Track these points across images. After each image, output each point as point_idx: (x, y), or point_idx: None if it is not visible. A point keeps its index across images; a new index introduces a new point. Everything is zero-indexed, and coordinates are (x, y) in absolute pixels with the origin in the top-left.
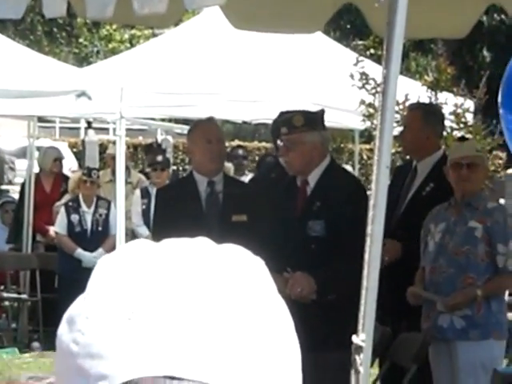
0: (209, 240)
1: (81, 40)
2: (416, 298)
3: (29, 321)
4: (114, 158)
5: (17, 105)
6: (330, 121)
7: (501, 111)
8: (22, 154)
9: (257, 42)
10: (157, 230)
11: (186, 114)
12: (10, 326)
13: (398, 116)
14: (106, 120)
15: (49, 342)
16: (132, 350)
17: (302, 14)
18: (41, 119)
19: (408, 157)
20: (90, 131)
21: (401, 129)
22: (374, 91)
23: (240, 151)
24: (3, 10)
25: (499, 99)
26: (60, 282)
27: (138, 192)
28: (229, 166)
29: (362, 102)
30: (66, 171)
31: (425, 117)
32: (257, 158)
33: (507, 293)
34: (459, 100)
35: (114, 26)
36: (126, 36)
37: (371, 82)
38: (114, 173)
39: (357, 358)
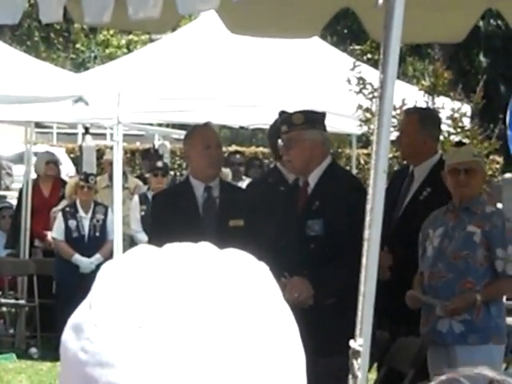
0: (212, 245)
1: (78, 45)
2: (415, 301)
3: (26, 326)
4: (111, 163)
5: (14, 110)
6: (327, 125)
7: (509, 133)
8: (20, 159)
9: (254, 47)
10: (153, 235)
11: (183, 119)
12: (8, 331)
13: (395, 121)
14: (104, 125)
15: (46, 348)
16: (143, 358)
17: (299, 19)
18: (38, 125)
19: (405, 161)
20: (88, 137)
21: (398, 133)
22: (371, 96)
23: (237, 157)
24: (0, 15)
25: (507, 119)
26: (57, 287)
27: (136, 198)
28: (226, 172)
29: (360, 107)
30: (63, 176)
31: (421, 121)
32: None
33: (505, 297)
34: (456, 104)
35: (111, 32)
36: (123, 41)
37: (368, 86)
38: (111, 178)
39: (354, 362)
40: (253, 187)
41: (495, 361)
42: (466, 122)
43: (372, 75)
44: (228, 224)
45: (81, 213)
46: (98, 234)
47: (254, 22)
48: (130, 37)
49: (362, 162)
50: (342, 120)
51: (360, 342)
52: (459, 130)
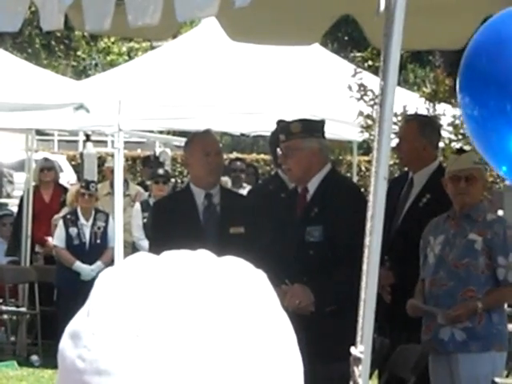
0: (210, 253)
1: (79, 53)
2: (416, 310)
3: (27, 334)
4: (112, 170)
5: (15, 118)
6: (328, 132)
7: (459, 96)
8: (21, 167)
9: (255, 54)
10: (154, 242)
11: (184, 127)
12: (9, 339)
13: (395, 127)
14: (105, 133)
15: (48, 356)
16: (141, 367)
17: (300, 25)
18: (39, 132)
19: (405, 168)
20: (89, 144)
21: (398, 140)
22: (372, 103)
23: (238, 164)
24: (0, 23)
25: (457, 82)
26: (58, 295)
27: (138, 205)
28: (225, 180)
29: (360, 114)
30: (65, 184)
31: (421, 128)
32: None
33: (507, 304)
34: (457, 111)
35: (112, 39)
36: (124, 49)
37: (369, 93)
38: (112, 185)
39: (355, 369)
40: (253, 194)
41: (497, 368)
42: None
43: (373, 82)
44: (229, 231)
45: (82, 220)
46: (98, 241)
47: (255, 29)
48: (131, 44)
49: (363, 168)
50: (343, 127)
51: (361, 349)
52: (460, 136)
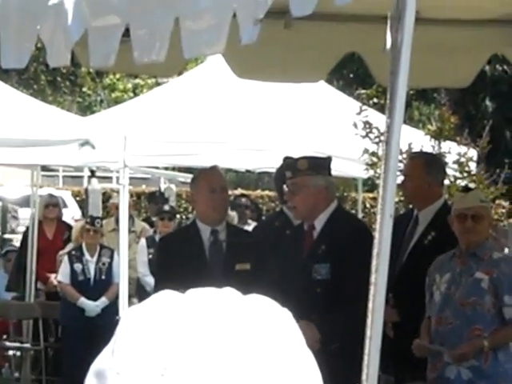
0: (235, 291)
1: (84, 89)
2: (422, 350)
3: (32, 370)
4: (117, 206)
5: (20, 154)
6: (333, 169)
7: None
8: (25, 202)
9: (260, 91)
10: (160, 279)
11: (189, 163)
12: (13, 375)
13: (401, 165)
14: (110, 169)
15: None
16: None
17: (305, 63)
18: (44, 168)
19: (410, 205)
20: (93, 180)
21: (403, 178)
22: (377, 140)
23: (243, 200)
24: (7, 59)
25: None
26: (63, 331)
27: (143, 241)
28: (233, 215)
29: (366, 151)
30: (69, 220)
31: (426, 165)
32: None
33: None
34: (462, 149)
35: (118, 76)
36: (130, 85)
37: (374, 130)
38: (117, 221)
39: None
40: (259, 231)
41: None
42: (473, 166)
43: (378, 119)
44: (234, 268)
45: (87, 256)
46: (103, 277)
47: (261, 67)
48: (137, 81)
49: (368, 205)
50: (348, 164)
51: None
52: (465, 174)
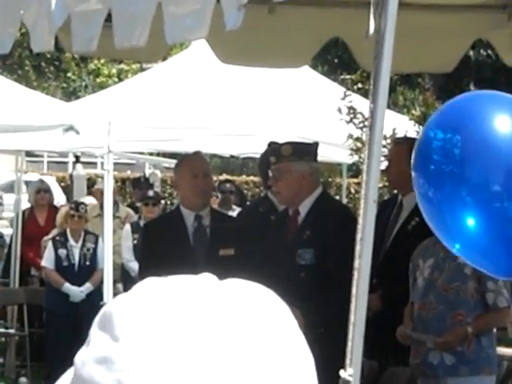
0: (240, 280)
1: (69, 74)
2: (406, 339)
3: (16, 356)
4: (102, 192)
5: (5, 139)
6: (318, 155)
7: (413, 174)
8: (10, 188)
9: (244, 77)
10: (144, 264)
11: (173, 148)
12: None
13: (385, 150)
14: (94, 154)
15: (36, 377)
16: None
17: (289, 48)
18: (29, 153)
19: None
20: (78, 165)
21: (387, 163)
22: (361, 125)
23: (227, 185)
24: None
25: (412, 161)
26: (47, 316)
27: (128, 227)
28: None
29: (350, 136)
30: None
31: (410, 151)
32: (245, 192)
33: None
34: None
35: (102, 61)
36: (114, 70)
37: (359, 116)
38: (102, 207)
39: None
40: (243, 216)
41: None
42: None
43: (363, 105)
44: (218, 253)
45: (71, 242)
46: (88, 262)
47: (244, 52)
48: (121, 66)
49: (353, 191)
50: (333, 149)
51: (350, 372)
52: None
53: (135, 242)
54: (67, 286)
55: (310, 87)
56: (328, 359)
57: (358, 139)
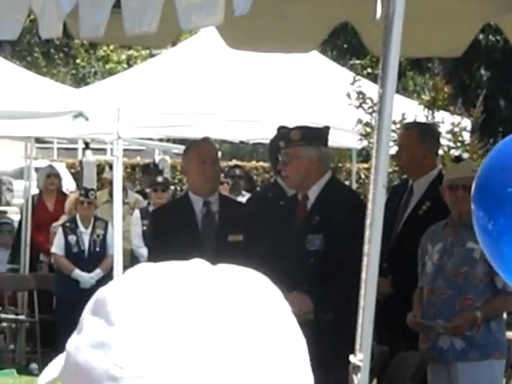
0: (232, 266)
1: (78, 61)
2: (416, 325)
3: (27, 342)
4: (110, 182)
5: (14, 126)
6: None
7: (472, 206)
8: (20, 174)
9: (253, 62)
10: (153, 250)
11: (183, 134)
12: (8, 347)
13: (394, 135)
14: (104, 141)
15: (47, 364)
16: (176, 368)
17: (298, 33)
18: (38, 140)
19: (405, 176)
20: (88, 152)
21: (397, 148)
22: (370, 110)
23: (237, 171)
24: None
25: (472, 193)
26: (57, 303)
27: (137, 213)
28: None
29: (359, 121)
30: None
31: (420, 136)
32: (255, 178)
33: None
34: (456, 119)
35: (112, 47)
36: (124, 57)
37: (368, 101)
38: (111, 193)
39: (354, 377)
40: (252, 202)
41: (496, 376)
42: (466, 136)
43: (372, 90)
44: (227, 239)
45: (81, 228)
46: (98, 249)
47: (253, 37)
48: (130, 52)
49: (363, 176)
50: (342, 134)
51: (360, 357)
52: (459, 144)
53: (144, 228)
54: (77, 273)
55: (319, 72)
56: (338, 344)
57: (367, 124)
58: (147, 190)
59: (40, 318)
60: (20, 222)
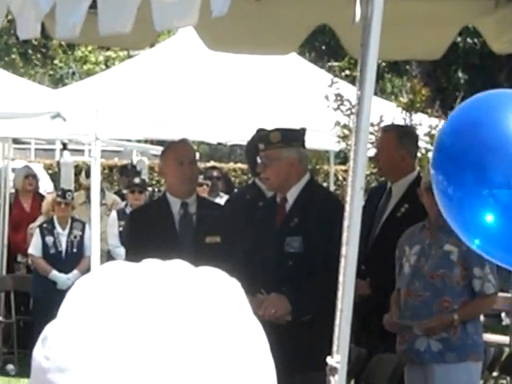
0: (185, 262)
1: (56, 61)
2: (393, 326)
3: (3, 343)
4: (88, 188)
5: None
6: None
7: (431, 171)
8: None
9: (232, 64)
10: (130, 251)
11: (161, 136)
12: None
13: (372, 137)
14: (81, 141)
15: (23, 365)
16: (98, 364)
17: (277, 35)
18: (16, 141)
19: (383, 178)
20: (66, 153)
21: (376, 150)
22: (348, 112)
23: (214, 172)
24: None
25: (431, 159)
26: (34, 304)
27: (114, 214)
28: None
29: (337, 123)
30: (41, 192)
31: (399, 138)
32: (233, 179)
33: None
34: (434, 121)
35: (89, 48)
36: (101, 58)
37: (346, 103)
38: (88, 195)
39: (331, 379)
40: (231, 203)
41: (473, 378)
42: None
43: (350, 92)
44: (205, 240)
45: (58, 229)
46: (75, 250)
47: (232, 39)
48: (108, 53)
49: (340, 178)
50: (320, 136)
51: (337, 359)
52: None
53: (121, 228)
54: (54, 274)
55: (297, 74)
56: (315, 346)
57: (345, 126)
58: (125, 191)
59: (17, 318)
60: None
